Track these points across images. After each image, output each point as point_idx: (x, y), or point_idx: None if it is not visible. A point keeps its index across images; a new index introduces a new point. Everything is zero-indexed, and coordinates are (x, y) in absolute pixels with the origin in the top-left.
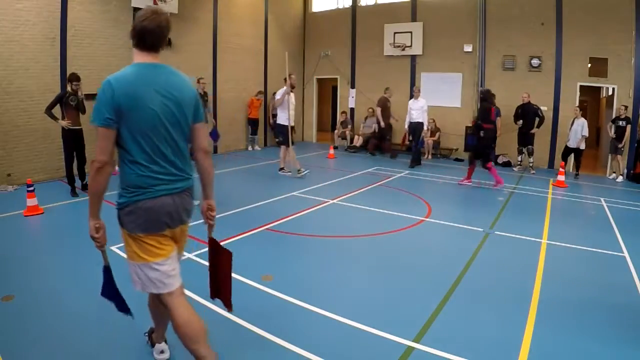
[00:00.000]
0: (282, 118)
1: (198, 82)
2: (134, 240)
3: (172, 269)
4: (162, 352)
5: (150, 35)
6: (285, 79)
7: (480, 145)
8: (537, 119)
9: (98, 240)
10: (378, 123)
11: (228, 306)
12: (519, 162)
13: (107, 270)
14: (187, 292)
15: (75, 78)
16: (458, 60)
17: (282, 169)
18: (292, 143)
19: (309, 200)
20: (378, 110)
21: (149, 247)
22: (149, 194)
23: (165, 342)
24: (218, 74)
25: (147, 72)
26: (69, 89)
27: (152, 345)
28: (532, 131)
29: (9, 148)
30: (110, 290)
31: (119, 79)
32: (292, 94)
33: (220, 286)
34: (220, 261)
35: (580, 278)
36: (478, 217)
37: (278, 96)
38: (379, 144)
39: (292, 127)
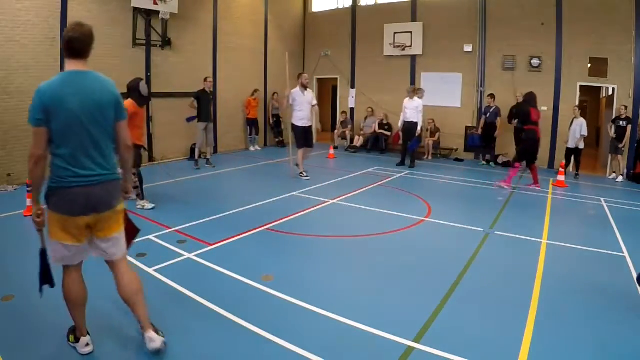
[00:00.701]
0: (293, 118)
1: (205, 81)
2: (54, 218)
3: (75, 254)
4: (87, 345)
5: (77, 42)
6: (297, 77)
7: (524, 147)
8: None
9: (39, 223)
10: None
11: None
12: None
13: (43, 253)
14: (186, 292)
15: None
16: (458, 60)
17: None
18: (304, 144)
19: (309, 200)
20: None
21: (64, 228)
22: (65, 184)
23: (88, 333)
24: (218, 74)
25: (71, 78)
26: None
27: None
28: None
29: (9, 148)
30: (43, 270)
31: (48, 84)
32: (306, 93)
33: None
34: (127, 227)
35: (580, 278)
36: (478, 217)
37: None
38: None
39: (306, 128)
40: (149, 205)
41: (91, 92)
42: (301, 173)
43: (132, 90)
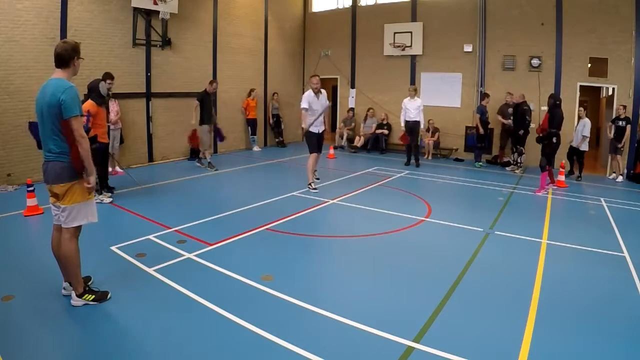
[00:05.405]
0: (307, 124)
1: (211, 84)
2: None
3: (54, 211)
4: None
5: (55, 56)
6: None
7: (553, 151)
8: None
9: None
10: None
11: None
12: (519, 163)
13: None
14: (186, 292)
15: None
16: (458, 60)
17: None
18: (316, 150)
19: (309, 200)
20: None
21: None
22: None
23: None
24: (218, 74)
25: (45, 83)
26: None
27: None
28: (520, 132)
29: (9, 148)
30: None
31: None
32: (320, 97)
33: None
34: None
35: (580, 278)
36: (478, 217)
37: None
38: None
39: (316, 134)
40: (107, 200)
41: (44, 94)
42: (309, 184)
43: (92, 91)
